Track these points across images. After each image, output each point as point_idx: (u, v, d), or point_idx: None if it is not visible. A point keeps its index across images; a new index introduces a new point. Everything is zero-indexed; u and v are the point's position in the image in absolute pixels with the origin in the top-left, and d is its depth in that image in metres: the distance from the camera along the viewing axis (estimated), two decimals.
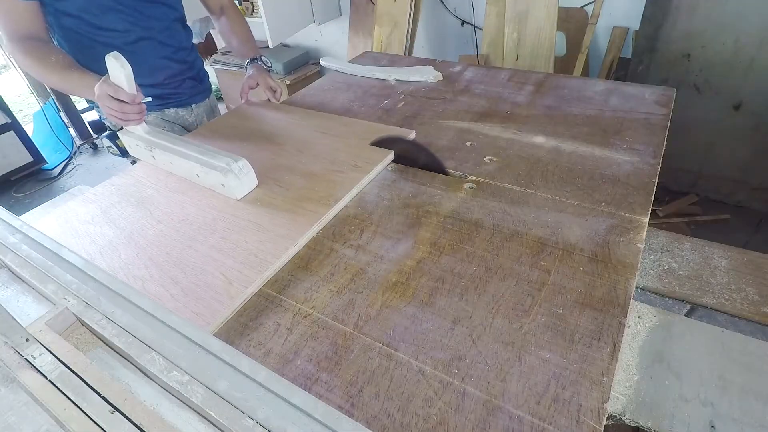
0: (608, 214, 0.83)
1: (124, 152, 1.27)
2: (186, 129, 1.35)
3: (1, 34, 1.01)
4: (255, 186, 0.97)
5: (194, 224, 0.89)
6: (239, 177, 0.93)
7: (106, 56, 0.89)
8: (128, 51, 0.95)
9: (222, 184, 0.94)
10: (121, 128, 1.25)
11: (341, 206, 0.91)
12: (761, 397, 0.71)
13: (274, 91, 1.32)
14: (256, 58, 1.34)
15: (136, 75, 0.94)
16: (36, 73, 1.00)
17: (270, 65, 1.37)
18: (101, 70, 0.98)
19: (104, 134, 1.29)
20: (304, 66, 3.08)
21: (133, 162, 1.32)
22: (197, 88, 1.35)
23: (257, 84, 1.32)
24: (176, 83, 1.28)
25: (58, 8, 1.03)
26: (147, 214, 0.93)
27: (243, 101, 1.35)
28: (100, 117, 1.31)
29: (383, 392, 0.58)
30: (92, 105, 1.35)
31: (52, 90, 3.20)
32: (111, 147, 1.30)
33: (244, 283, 0.74)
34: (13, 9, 0.97)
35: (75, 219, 0.93)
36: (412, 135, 1.11)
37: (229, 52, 3.16)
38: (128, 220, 0.92)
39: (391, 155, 1.04)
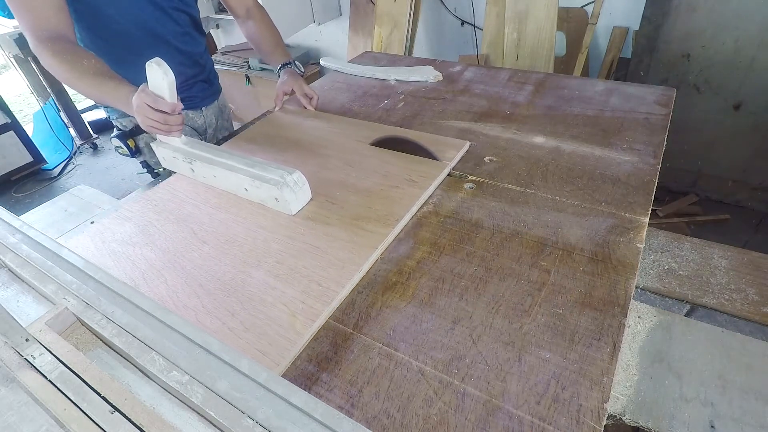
0: (608, 214, 0.83)
1: (134, 152, 1.26)
2: (196, 131, 1.33)
3: (25, 32, 0.94)
4: (309, 200, 0.91)
5: (244, 246, 0.82)
6: (295, 190, 0.87)
7: (147, 63, 0.84)
8: (144, 56, 0.92)
9: (276, 199, 0.87)
10: (132, 130, 1.23)
11: (401, 226, 0.84)
12: (761, 397, 0.71)
13: (311, 98, 1.29)
14: (289, 63, 1.30)
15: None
16: (65, 77, 0.94)
17: (303, 71, 1.34)
18: (120, 72, 0.94)
19: (113, 135, 1.25)
20: (304, 66, 3.08)
21: (144, 163, 1.31)
22: (207, 90, 1.33)
23: (292, 90, 1.29)
24: (187, 86, 1.26)
25: (77, 8, 0.99)
26: (190, 234, 0.86)
27: (277, 108, 1.31)
28: (108, 117, 1.27)
29: (383, 392, 0.58)
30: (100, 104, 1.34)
31: (52, 90, 3.20)
32: (120, 147, 1.26)
33: (310, 316, 0.67)
34: (37, 4, 0.91)
35: (111, 238, 0.87)
36: (466, 146, 1.04)
37: (229, 51, 3.16)
38: (170, 241, 0.85)
39: (447, 170, 0.98)
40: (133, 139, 1.23)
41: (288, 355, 0.62)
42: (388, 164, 1.00)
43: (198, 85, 1.29)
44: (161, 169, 1.23)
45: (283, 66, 1.30)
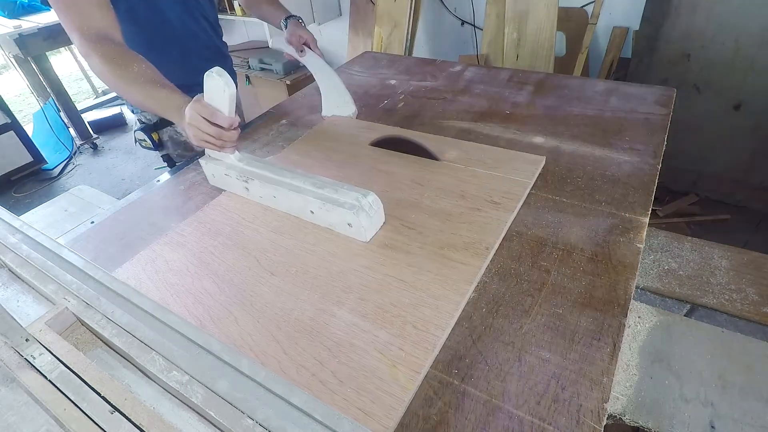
0: (608, 214, 0.83)
1: (157, 145, 1.26)
2: None
3: (71, 32, 0.89)
4: (381, 224, 0.82)
5: (318, 278, 0.73)
6: (370, 215, 0.78)
7: (206, 73, 0.77)
8: (177, 48, 0.88)
9: (349, 224, 0.79)
10: (157, 123, 1.23)
11: (492, 255, 0.76)
12: (761, 397, 0.71)
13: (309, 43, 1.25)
14: (294, 16, 1.28)
15: (180, 75, 0.86)
16: (113, 83, 0.88)
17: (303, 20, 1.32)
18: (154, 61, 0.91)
19: (136, 128, 1.24)
20: (304, 66, 3.08)
21: (166, 157, 1.31)
22: None
23: (301, 38, 1.24)
24: None
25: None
26: (253, 263, 0.77)
27: (299, 56, 1.26)
28: (132, 110, 1.27)
29: None
30: (121, 103, 1.34)
31: (52, 90, 3.20)
32: (144, 140, 1.25)
33: (414, 367, 0.58)
34: (80, 1, 0.87)
35: (165, 268, 0.78)
36: (542, 162, 0.96)
37: (230, 52, 3.16)
38: (232, 271, 0.76)
39: (528, 188, 0.90)
40: (157, 132, 1.23)
41: (395, 415, 0.54)
42: (462, 182, 0.91)
43: None
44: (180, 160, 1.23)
45: (290, 17, 1.27)
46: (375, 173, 0.98)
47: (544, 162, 0.97)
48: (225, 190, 0.97)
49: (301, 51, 1.24)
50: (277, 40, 1.29)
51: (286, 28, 1.26)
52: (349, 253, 0.78)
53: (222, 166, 0.92)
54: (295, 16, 1.29)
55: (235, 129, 0.83)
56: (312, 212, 0.83)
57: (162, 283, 0.75)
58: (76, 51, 4.16)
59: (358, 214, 0.76)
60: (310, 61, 1.26)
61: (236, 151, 0.91)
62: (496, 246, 0.77)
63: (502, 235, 0.79)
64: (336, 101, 1.25)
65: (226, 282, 0.74)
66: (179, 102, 0.84)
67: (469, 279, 0.70)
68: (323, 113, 1.28)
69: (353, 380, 0.57)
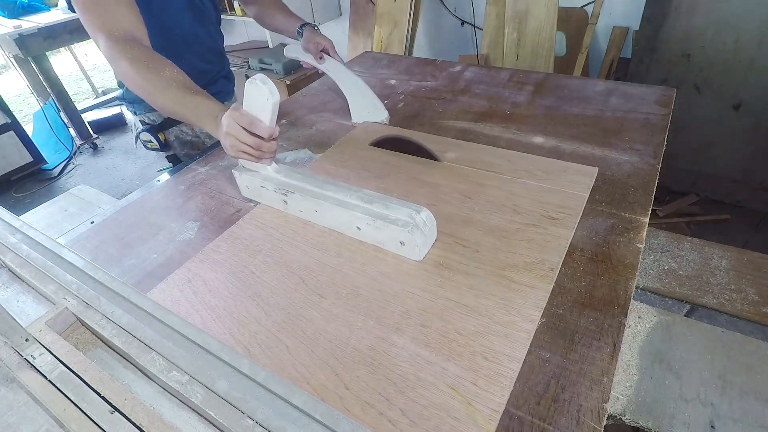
0: (608, 214, 0.83)
1: (164, 146, 1.24)
2: None
3: (97, 33, 0.85)
4: (433, 242, 0.77)
5: (372, 302, 0.67)
6: (425, 232, 0.73)
7: (249, 80, 0.73)
8: (184, 50, 0.87)
9: (401, 242, 0.73)
10: (162, 123, 1.22)
11: (556, 276, 0.70)
12: (761, 397, 0.71)
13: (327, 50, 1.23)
14: (309, 23, 1.27)
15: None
16: (143, 87, 0.83)
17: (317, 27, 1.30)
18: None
19: (141, 129, 1.22)
20: (304, 66, 3.08)
21: (172, 157, 1.31)
22: (228, 86, 1.35)
23: (319, 44, 1.21)
24: (212, 82, 1.28)
25: None
26: (299, 284, 0.72)
27: (319, 63, 1.24)
28: (134, 112, 1.25)
29: None
30: (121, 101, 1.32)
31: (52, 90, 3.19)
32: (150, 141, 1.23)
33: (491, 405, 0.53)
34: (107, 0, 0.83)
35: (204, 289, 0.72)
36: (594, 173, 0.91)
37: (229, 52, 3.16)
38: (276, 293, 0.70)
39: (585, 198, 0.85)
40: (163, 133, 1.23)
41: None
42: (514, 196, 0.86)
43: (220, 82, 1.31)
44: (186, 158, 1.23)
45: (305, 25, 1.25)
46: (417, 184, 0.92)
47: (596, 173, 0.91)
48: (259, 203, 0.92)
49: (320, 58, 1.22)
50: (292, 48, 1.27)
51: (301, 36, 1.25)
52: (402, 273, 0.72)
53: (258, 177, 0.87)
54: (310, 23, 1.27)
55: (274, 139, 0.80)
56: (359, 228, 0.78)
57: (201, 306, 0.70)
58: (76, 51, 4.16)
59: (412, 232, 0.71)
60: (330, 67, 1.23)
61: (273, 163, 0.87)
62: (560, 266, 0.71)
63: (564, 253, 0.74)
64: (364, 106, 1.21)
65: (272, 305, 0.68)
66: (215, 109, 0.80)
67: (538, 304, 0.65)
68: (353, 120, 1.24)
69: (426, 420, 0.51)
